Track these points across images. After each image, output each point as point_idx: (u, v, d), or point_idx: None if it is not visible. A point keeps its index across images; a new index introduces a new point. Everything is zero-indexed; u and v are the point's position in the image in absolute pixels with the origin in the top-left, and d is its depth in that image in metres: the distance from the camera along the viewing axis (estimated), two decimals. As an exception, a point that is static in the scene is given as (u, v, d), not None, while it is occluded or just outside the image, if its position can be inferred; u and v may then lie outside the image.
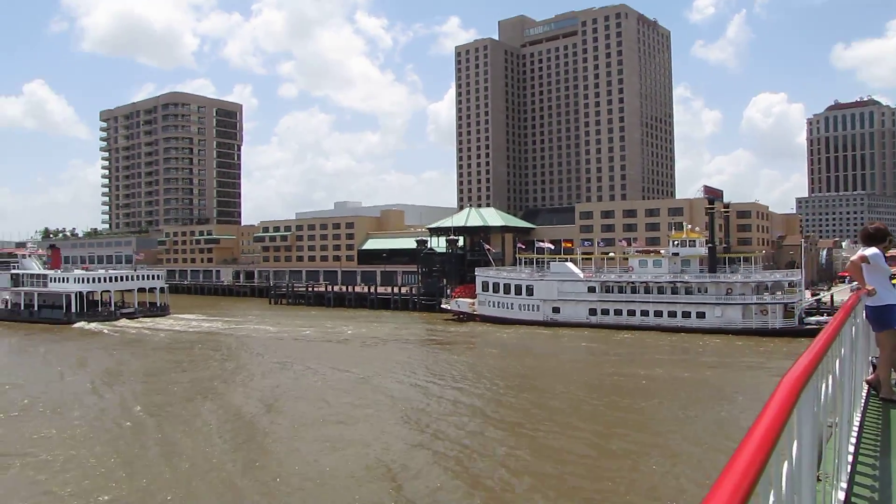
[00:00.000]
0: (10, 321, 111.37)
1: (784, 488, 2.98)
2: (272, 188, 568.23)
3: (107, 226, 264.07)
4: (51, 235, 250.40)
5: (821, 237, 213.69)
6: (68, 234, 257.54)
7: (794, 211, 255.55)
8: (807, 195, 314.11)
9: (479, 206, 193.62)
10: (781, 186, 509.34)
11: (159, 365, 69.34)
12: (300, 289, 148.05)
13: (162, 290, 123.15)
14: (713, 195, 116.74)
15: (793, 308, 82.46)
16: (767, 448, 2.38)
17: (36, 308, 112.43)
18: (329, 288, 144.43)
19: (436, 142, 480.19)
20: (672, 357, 69.30)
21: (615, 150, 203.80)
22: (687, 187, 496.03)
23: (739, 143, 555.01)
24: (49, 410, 47.91)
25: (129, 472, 33.82)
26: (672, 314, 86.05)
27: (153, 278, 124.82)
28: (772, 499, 2.61)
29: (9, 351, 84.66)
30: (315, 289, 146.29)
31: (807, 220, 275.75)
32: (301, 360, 69.02)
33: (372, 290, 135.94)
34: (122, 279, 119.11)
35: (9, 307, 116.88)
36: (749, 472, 2.18)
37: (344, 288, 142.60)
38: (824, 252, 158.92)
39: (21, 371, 66.91)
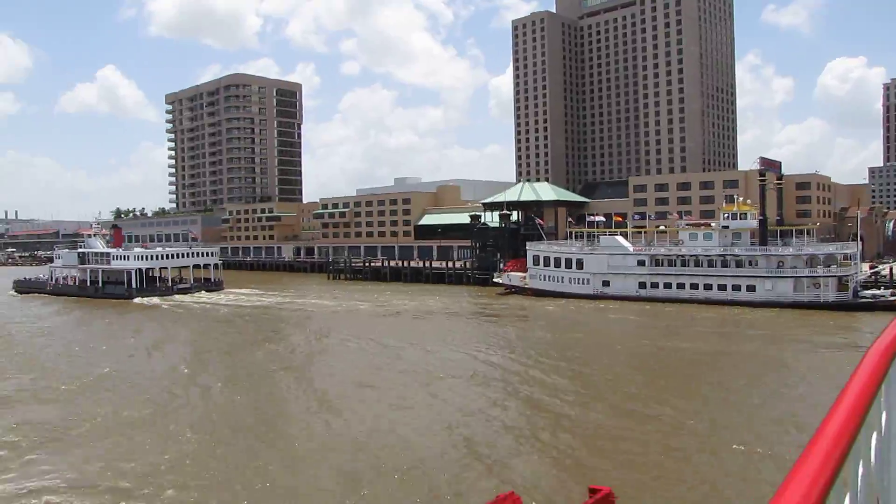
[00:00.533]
0: (78, 296, 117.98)
1: (873, 460, 2.84)
2: (336, 165, 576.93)
3: (174, 205, 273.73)
4: (121, 216, 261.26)
5: (890, 208, 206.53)
6: (138, 213, 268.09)
7: (867, 181, 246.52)
8: (881, 164, 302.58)
9: (538, 180, 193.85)
10: (858, 156, 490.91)
11: (217, 335, 73.25)
12: (357, 264, 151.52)
13: (216, 265, 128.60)
14: (770, 167, 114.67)
15: (847, 281, 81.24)
16: (857, 418, 2.32)
17: (101, 284, 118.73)
18: (385, 263, 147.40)
19: (498, 116, 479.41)
20: (719, 330, 69.49)
21: (674, 122, 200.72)
22: (753, 159, 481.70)
23: (812, 111, 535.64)
24: (119, 378, 51.66)
25: (201, 432, 36.78)
26: (721, 287, 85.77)
27: (207, 255, 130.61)
28: (861, 470, 2.53)
29: (79, 323, 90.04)
30: (372, 264, 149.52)
31: (879, 191, 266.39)
32: (355, 331, 71.75)
33: (427, 264, 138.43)
34: (178, 256, 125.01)
35: (77, 283, 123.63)
36: (838, 442, 2.14)
37: (400, 263, 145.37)
38: (891, 224, 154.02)
39: (89, 343, 71.46)
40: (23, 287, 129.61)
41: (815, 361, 52.76)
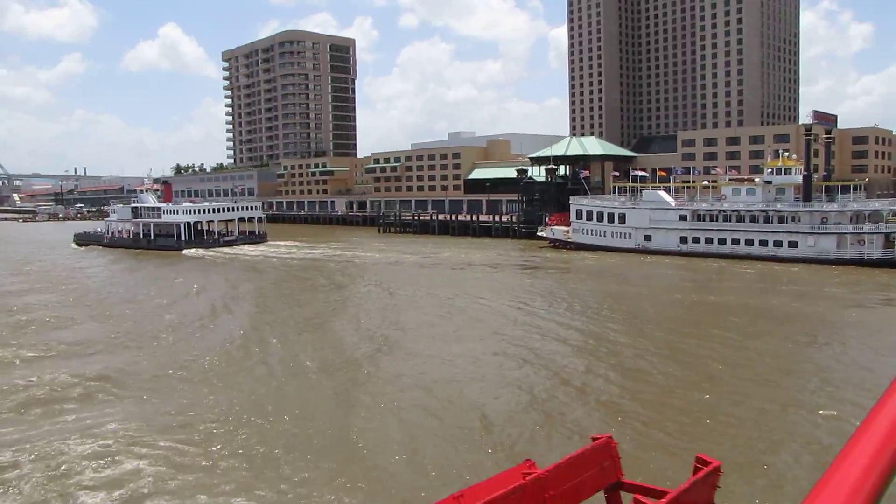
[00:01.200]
0: (132, 248, 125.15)
1: None
2: (395, 119, 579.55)
3: (232, 160, 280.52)
4: (181, 171, 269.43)
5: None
6: (196, 169, 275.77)
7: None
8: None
9: (592, 134, 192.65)
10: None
11: (262, 284, 77.16)
12: (407, 217, 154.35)
13: (260, 219, 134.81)
14: (823, 120, 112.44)
15: (894, 238, 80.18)
16: None
17: (152, 237, 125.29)
18: (434, 217, 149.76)
19: (557, 68, 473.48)
20: (756, 285, 69.90)
21: (732, 75, 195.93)
22: (819, 111, 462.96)
23: (893, 58, 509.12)
24: (186, 324, 55.60)
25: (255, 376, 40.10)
26: (763, 243, 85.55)
27: (251, 209, 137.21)
28: None
29: (131, 270, 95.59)
30: (420, 217, 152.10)
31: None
32: (399, 281, 74.58)
33: (474, 218, 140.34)
34: (223, 210, 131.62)
35: (131, 236, 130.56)
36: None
37: (449, 217, 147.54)
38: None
39: (152, 290, 76.16)
40: (82, 240, 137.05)
41: (854, 317, 53.11)
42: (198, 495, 23.09)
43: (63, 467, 25.45)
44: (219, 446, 27.51)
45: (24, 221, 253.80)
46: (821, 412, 29.97)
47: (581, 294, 65.84)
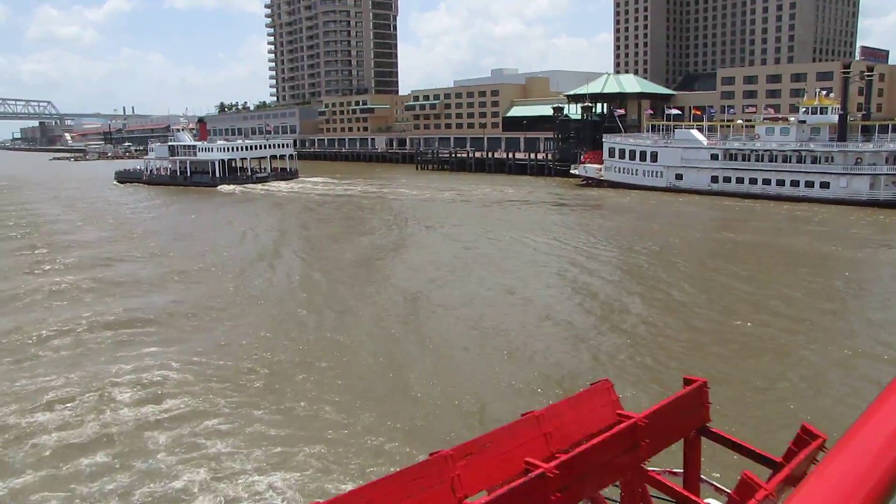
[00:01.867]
0: (170, 185, 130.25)
1: None
2: (441, 55, 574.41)
3: (275, 99, 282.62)
4: (225, 110, 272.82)
5: None
6: (240, 107, 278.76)
7: None
8: None
9: (636, 71, 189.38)
10: None
11: (292, 216, 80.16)
12: (444, 155, 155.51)
13: (291, 156, 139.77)
14: (873, 56, 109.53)
15: (930, 179, 78.99)
16: None
17: (189, 174, 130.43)
18: (470, 154, 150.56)
19: (606, 3, 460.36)
20: (782, 225, 69.93)
21: (784, 9, 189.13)
22: (890, 46, 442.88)
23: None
24: (232, 257, 58.87)
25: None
26: (794, 184, 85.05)
27: (283, 146, 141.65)
28: None
29: (171, 203, 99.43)
30: (457, 154, 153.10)
31: None
32: (432, 218, 76.71)
33: (510, 156, 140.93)
34: (256, 148, 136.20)
35: (168, 173, 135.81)
36: None
37: (486, 154, 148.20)
38: None
39: (185, 224, 79.80)
40: (123, 177, 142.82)
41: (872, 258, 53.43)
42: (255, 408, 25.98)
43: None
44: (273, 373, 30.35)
45: (75, 160, 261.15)
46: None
47: (609, 230, 67.03)
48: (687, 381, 9.64)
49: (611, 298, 40.85)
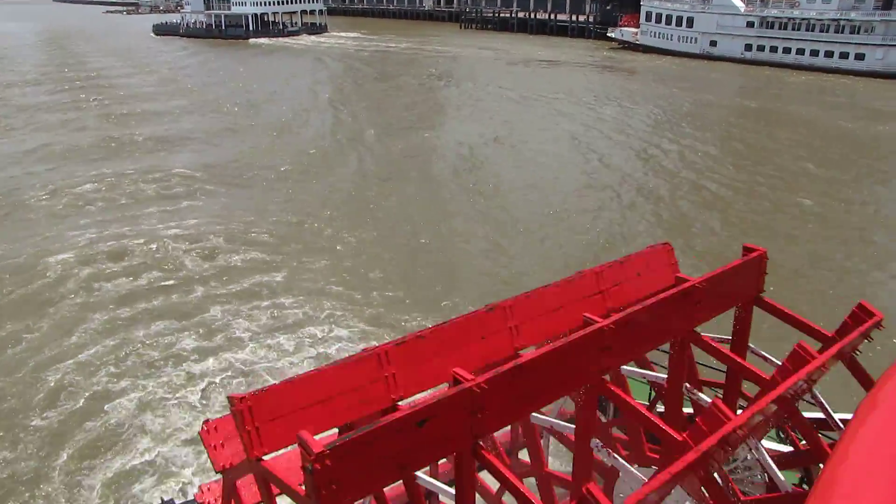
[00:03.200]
0: (205, 37, 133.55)
1: None
2: None
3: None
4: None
5: None
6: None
7: None
8: None
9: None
10: None
11: (322, 67, 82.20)
12: (488, 14, 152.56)
13: (321, 11, 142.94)
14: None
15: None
16: None
17: (223, 27, 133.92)
18: (514, 13, 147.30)
19: None
20: (798, 95, 69.20)
21: None
22: None
23: None
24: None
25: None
26: (829, 54, 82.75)
27: (313, 1, 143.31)
28: None
29: (203, 53, 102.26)
30: (500, 14, 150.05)
31: None
32: (470, 75, 78.00)
33: (552, 16, 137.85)
34: (287, 2, 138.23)
35: (203, 27, 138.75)
36: None
37: (528, 14, 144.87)
38: None
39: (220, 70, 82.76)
40: (160, 30, 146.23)
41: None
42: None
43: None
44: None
45: (127, 13, 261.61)
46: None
47: (641, 94, 67.53)
48: (746, 250, 9.36)
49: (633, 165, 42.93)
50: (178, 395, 18.24)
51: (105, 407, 17.82)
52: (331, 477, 5.14)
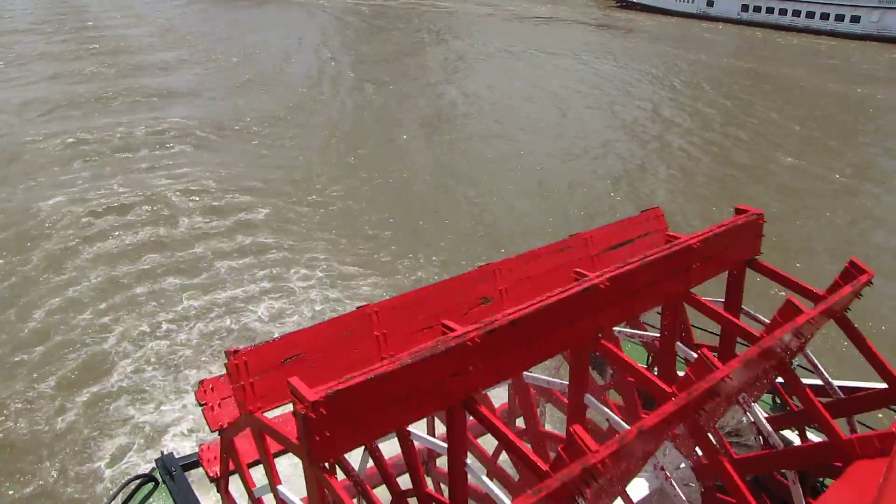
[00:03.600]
0: None
1: None
2: None
3: None
4: None
5: None
6: None
7: None
8: None
9: None
10: None
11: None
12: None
13: None
14: None
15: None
16: None
17: None
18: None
19: None
20: (804, 60, 69.59)
21: None
22: None
23: None
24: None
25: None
26: (824, 16, 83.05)
27: None
28: None
29: (202, 3, 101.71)
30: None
31: None
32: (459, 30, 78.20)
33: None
34: None
35: None
36: None
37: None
38: None
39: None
40: None
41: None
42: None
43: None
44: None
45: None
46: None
47: (636, 52, 68.04)
48: (738, 211, 9.10)
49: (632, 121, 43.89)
50: (161, 328, 18.98)
51: (94, 339, 18.48)
52: (323, 424, 5.11)
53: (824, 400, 8.00)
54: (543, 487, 4.88)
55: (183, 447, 14.12)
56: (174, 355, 17.88)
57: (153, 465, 9.70)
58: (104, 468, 14.18)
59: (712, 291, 9.05)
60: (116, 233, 24.71)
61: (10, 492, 13.71)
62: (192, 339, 18.64)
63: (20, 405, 16.01)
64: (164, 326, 19.12)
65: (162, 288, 21.10)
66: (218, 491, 8.26)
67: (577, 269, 7.43)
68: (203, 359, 17.76)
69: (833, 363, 10.23)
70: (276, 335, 8.28)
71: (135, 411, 15.79)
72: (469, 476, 6.40)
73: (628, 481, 6.40)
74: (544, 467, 5.33)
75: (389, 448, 7.38)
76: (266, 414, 6.45)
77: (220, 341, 18.47)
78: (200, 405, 7.33)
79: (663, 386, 6.62)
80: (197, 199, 27.88)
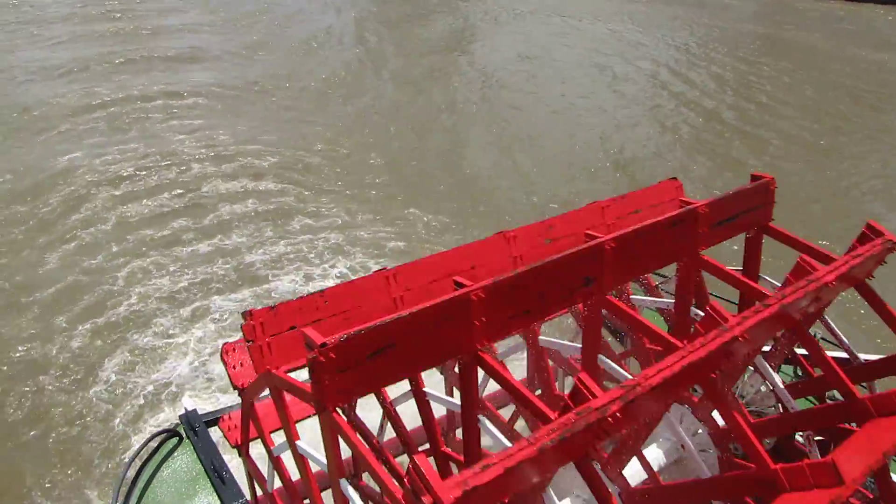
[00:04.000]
0: None
1: None
2: None
3: None
4: None
5: None
6: None
7: None
8: None
9: None
10: None
11: None
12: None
13: None
14: None
15: None
16: None
17: None
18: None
19: None
20: (825, 26, 68.03)
21: None
22: None
23: None
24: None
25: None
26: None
27: None
28: None
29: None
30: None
31: None
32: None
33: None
34: None
35: None
36: None
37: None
38: None
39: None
40: None
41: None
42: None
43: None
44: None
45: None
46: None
47: (651, 16, 66.61)
48: (754, 178, 8.99)
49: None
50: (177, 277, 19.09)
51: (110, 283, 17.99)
52: (333, 367, 5.19)
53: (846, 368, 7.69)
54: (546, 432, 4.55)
55: (204, 406, 14.07)
56: (206, 315, 17.47)
57: (177, 420, 9.77)
58: (126, 422, 14.13)
59: (730, 263, 8.86)
60: (132, 186, 23.81)
61: (34, 441, 13.31)
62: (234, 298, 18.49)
63: (62, 362, 15.26)
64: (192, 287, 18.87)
65: (194, 250, 20.96)
66: (239, 456, 8.33)
67: (588, 231, 7.54)
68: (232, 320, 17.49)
69: (858, 339, 9.34)
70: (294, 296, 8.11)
71: (158, 365, 15.26)
72: (485, 437, 6.39)
73: (643, 439, 6.33)
74: (552, 416, 5.27)
75: (408, 422, 7.39)
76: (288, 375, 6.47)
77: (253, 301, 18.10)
78: (224, 365, 7.39)
79: (675, 342, 6.55)
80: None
